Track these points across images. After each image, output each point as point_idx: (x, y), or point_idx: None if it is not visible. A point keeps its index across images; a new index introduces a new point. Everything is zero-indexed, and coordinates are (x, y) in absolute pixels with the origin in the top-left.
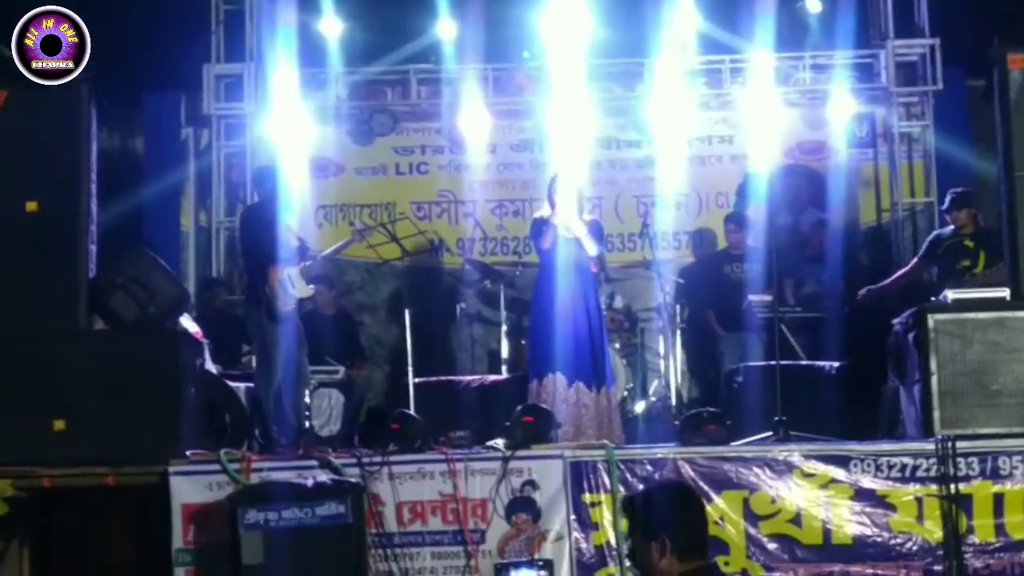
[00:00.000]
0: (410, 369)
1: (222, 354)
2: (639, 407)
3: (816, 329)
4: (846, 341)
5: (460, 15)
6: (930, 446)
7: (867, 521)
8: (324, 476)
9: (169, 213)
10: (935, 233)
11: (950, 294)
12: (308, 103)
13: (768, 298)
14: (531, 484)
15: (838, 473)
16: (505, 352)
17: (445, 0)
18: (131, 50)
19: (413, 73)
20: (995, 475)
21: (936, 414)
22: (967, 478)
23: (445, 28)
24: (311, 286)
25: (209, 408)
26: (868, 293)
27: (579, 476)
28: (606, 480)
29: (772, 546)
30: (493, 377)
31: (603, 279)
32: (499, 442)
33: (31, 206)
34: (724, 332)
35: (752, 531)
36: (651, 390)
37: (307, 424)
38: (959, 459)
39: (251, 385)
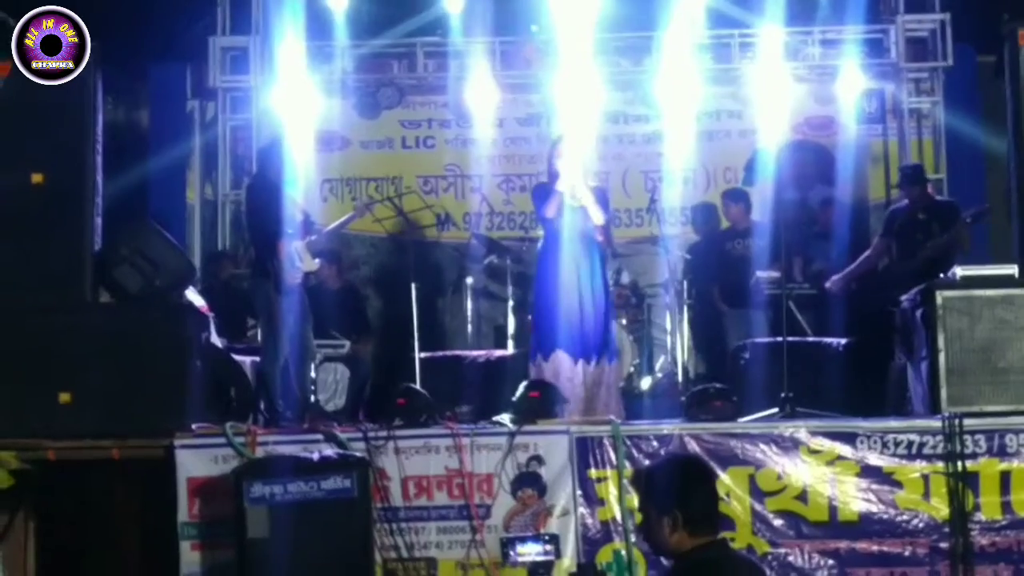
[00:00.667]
0: (416, 344)
1: (228, 328)
2: (645, 383)
3: (823, 306)
4: (852, 318)
5: None
6: (937, 423)
7: (873, 498)
8: (330, 450)
9: (174, 186)
10: (891, 209)
11: (958, 271)
12: (314, 76)
13: (776, 274)
14: (537, 459)
15: (844, 450)
16: (511, 327)
17: None
18: (137, 22)
19: (420, 46)
20: (1002, 453)
21: (943, 391)
22: (974, 455)
23: (452, 1)
24: (316, 260)
25: (215, 382)
26: (835, 283)
27: (585, 451)
28: (612, 456)
29: (778, 522)
30: (499, 352)
31: (610, 254)
32: (505, 417)
33: (36, 178)
34: (727, 308)
35: (758, 507)
36: (657, 366)
37: (312, 398)
38: (966, 436)
39: (256, 359)
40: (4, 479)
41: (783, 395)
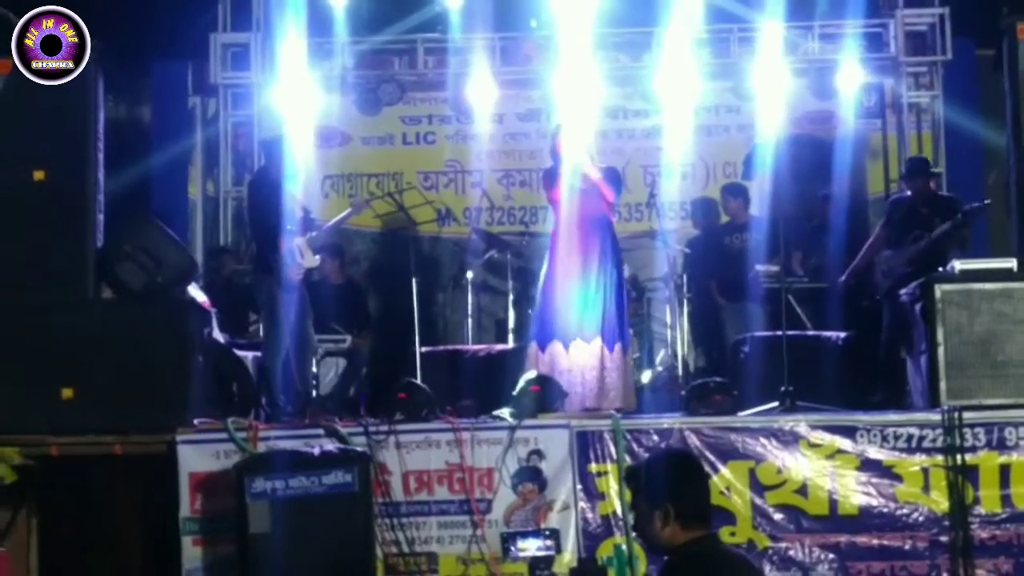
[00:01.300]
0: (417, 338)
1: (229, 323)
2: (646, 377)
3: (822, 300)
4: (851, 312)
5: None
6: (936, 417)
7: (873, 491)
8: (331, 445)
9: (176, 182)
10: (891, 199)
11: (957, 265)
12: (315, 72)
13: (775, 268)
14: (537, 454)
15: (844, 443)
16: (512, 321)
17: None
18: (138, 18)
19: (420, 42)
20: (1001, 446)
21: (942, 385)
22: (973, 449)
23: None
24: (317, 256)
25: (216, 377)
26: (849, 277)
27: (585, 446)
28: (612, 450)
29: (778, 516)
30: (500, 346)
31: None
32: (505, 411)
33: (38, 175)
34: (726, 302)
35: (758, 501)
36: (658, 360)
37: (314, 393)
38: (965, 430)
39: (258, 354)
40: (7, 475)
41: (783, 389)
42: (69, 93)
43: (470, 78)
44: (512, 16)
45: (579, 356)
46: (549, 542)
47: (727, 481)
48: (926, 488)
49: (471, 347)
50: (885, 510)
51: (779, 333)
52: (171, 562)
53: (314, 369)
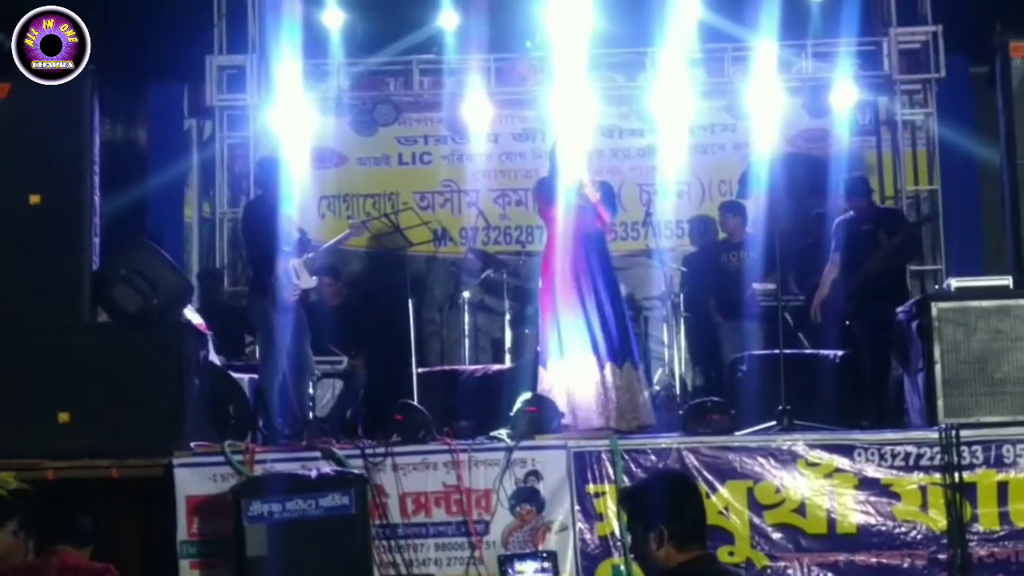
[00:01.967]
0: (413, 359)
1: (226, 345)
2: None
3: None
4: (847, 330)
5: (462, 5)
6: (934, 435)
7: (871, 510)
8: (328, 467)
9: (172, 204)
10: (837, 221)
11: (953, 283)
12: (311, 94)
13: (771, 286)
14: (535, 475)
15: (842, 462)
16: (508, 341)
17: None
18: (134, 41)
19: (416, 63)
20: (999, 463)
21: (940, 403)
22: (971, 466)
23: (447, 18)
24: (314, 277)
25: (213, 400)
26: (815, 311)
27: (583, 466)
28: (610, 470)
29: (776, 536)
30: (497, 366)
31: None
32: (503, 432)
33: (34, 199)
34: (723, 320)
35: (756, 521)
36: (655, 379)
37: (311, 415)
38: (963, 447)
39: (255, 376)
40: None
41: (780, 408)
42: (65, 117)
43: (465, 98)
44: (507, 37)
45: (585, 375)
46: (547, 564)
47: (725, 501)
48: (924, 506)
49: (468, 367)
50: (883, 528)
51: (776, 352)
52: None
53: (311, 391)
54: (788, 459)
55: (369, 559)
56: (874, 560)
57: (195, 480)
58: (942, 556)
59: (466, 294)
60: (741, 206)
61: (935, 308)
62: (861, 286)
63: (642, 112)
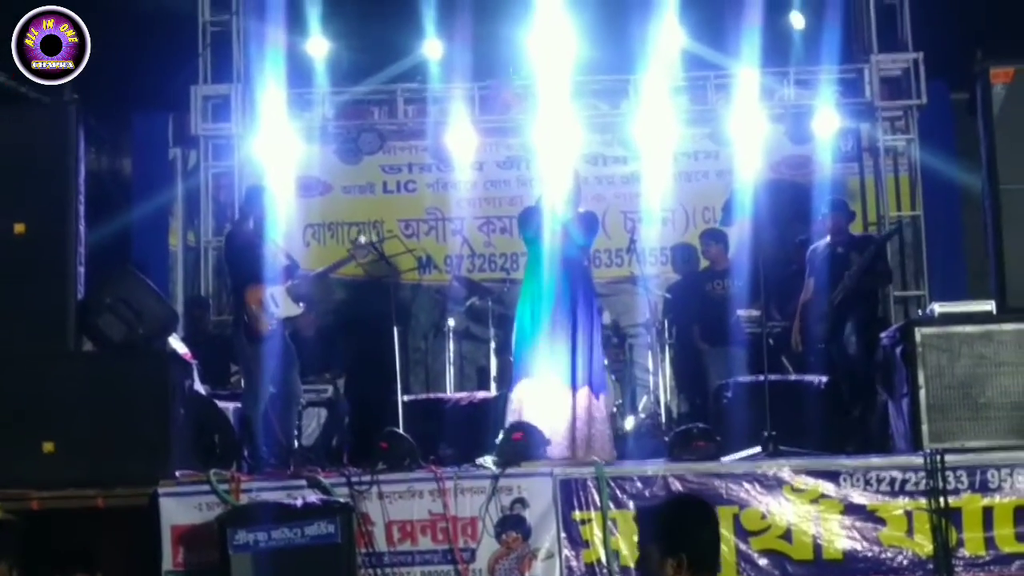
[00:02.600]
0: (399, 387)
1: (211, 374)
2: (629, 423)
3: (803, 344)
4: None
5: (446, 34)
6: (919, 460)
7: (857, 536)
8: (313, 496)
9: (157, 233)
10: (811, 247)
11: (937, 308)
12: (295, 123)
13: (755, 313)
14: (521, 502)
15: (828, 488)
16: (494, 369)
17: (431, 20)
18: (119, 71)
19: (400, 92)
20: (984, 488)
21: (924, 428)
22: (956, 491)
23: (431, 48)
24: (300, 304)
25: (198, 429)
26: (795, 340)
27: (569, 493)
28: (596, 497)
29: (763, 562)
30: (482, 394)
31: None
32: (488, 460)
33: (19, 228)
34: (708, 347)
35: (743, 547)
36: (640, 406)
37: (296, 443)
38: (948, 473)
39: (240, 405)
40: None
41: (766, 434)
42: (50, 146)
43: (450, 127)
44: (491, 65)
45: (562, 403)
46: None
47: None
48: (910, 531)
49: (453, 395)
50: (869, 554)
51: (761, 378)
52: None
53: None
54: (774, 485)
55: None
56: None
57: (180, 509)
58: None
59: (451, 322)
60: (723, 234)
61: (919, 333)
62: (835, 308)
63: (626, 139)
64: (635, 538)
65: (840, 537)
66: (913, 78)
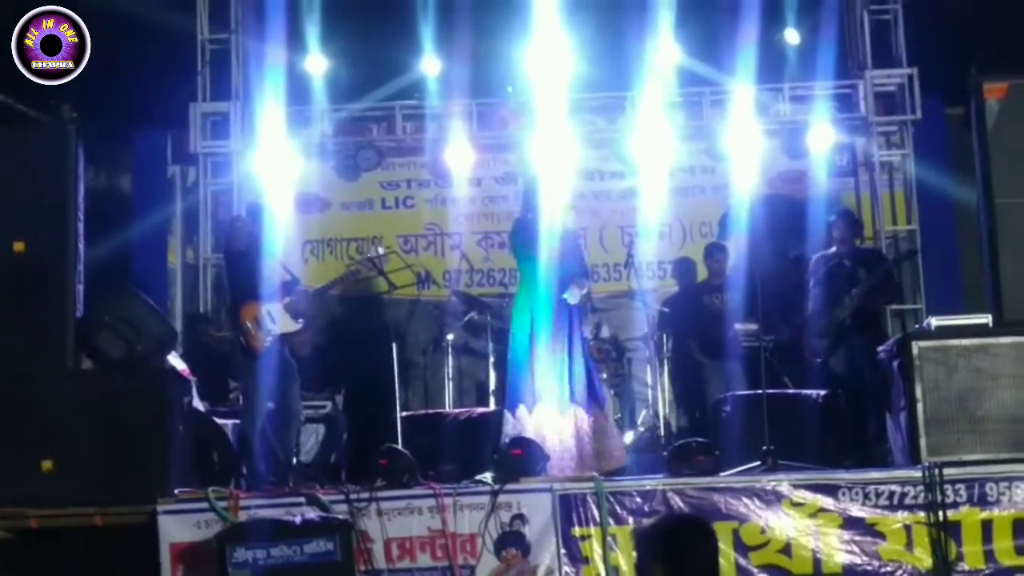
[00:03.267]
0: (397, 403)
1: (209, 391)
2: (628, 438)
3: (801, 358)
4: (827, 368)
5: (444, 51)
6: (917, 474)
7: (856, 550)
8: (312, 513)
9: (156, 250)
10: (817, 256)
11: (933, 321)
12: (294, 140)
13: (753, 327)
14: (520, 518)
15: (827, 502)
16: (492, 384)
17: (429, 37)
18: (118, 89)
19: (398, 109)
20: (983, 501)
21: (922, 441)
22: (955, 505)
23: (429, 64)
24: (300, 320)
25: (197, 446)
26: (811, 347)
27: (568, 509)
28: (596, 513)
29: None
30: (481, 409)
31: (589, 308)
32: (487, 476)
33: (18, 246)
34: (707, 360)
35: (742, 562)
36: (639, 420)
37: (295, 460)
38: (946, 486)
39: (238, 422)
40: None
41: (765, 448)
42: (49, 164)
43: (448, 143)
44: (488, 82)
45: (557, 422)
46: None
47: None
48: (909, 545)
49: (452, 411)
50: (869, 568)
51: (760, 392)
52: None
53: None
54: (773, 499)
55: None
56: None
57: (179, 527)
58: None
59: (450, 337)
60: (723, 247)
61: (916, 347)
62: (838, 324)
63: (622, 155)
64: (634, 554)
65: (839, 551)
66: (907, 93)
